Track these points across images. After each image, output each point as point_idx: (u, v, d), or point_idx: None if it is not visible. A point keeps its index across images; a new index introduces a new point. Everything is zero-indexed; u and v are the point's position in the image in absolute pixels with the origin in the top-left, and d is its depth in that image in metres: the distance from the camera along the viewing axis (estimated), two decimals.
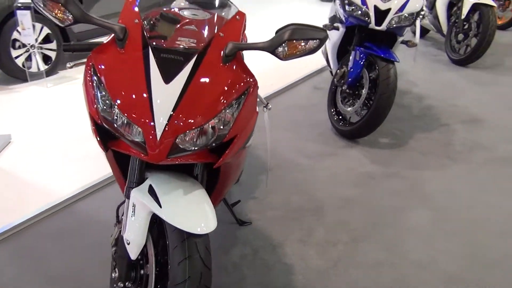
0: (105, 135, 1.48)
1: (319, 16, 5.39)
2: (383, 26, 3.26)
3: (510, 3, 6.79)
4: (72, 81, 4.46)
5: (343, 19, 3.55)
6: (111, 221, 1.93)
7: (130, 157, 1.58)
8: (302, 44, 1.46)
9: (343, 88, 3.55)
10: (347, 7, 3.38)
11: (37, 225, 2.42)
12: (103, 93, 1.41)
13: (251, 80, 1.50)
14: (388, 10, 3.25)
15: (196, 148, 1.42)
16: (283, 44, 1.44)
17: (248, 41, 1.85)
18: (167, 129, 1.35)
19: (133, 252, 1.55)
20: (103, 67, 1.43)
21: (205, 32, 1.58)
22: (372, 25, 3.26)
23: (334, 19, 3.87)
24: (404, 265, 2.17)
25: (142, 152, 1.40)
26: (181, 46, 1.51)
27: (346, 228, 2.45)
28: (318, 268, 2.15)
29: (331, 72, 4.12)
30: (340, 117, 3.65)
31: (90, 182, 2.79)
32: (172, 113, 1.35)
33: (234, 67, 1.48)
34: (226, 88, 1.43)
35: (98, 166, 2.91)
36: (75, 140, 3.28)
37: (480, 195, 2.76)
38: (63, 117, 3.68)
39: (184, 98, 1.37)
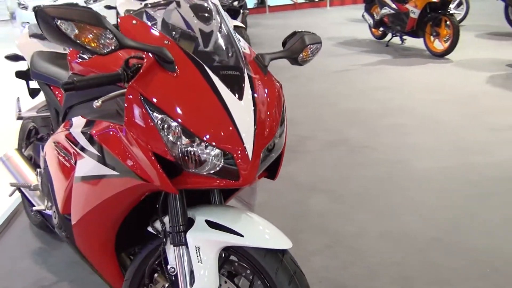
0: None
1: None
2: (211, 47, 3.48)
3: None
4: None
5: None
6: None
7: (169, 201, 1.38)
8: (313, 47, 1.59)
9: None
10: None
11: None
12: (170, 125, 1.21)
13: (280, 85, 1.51)
14: (212, 31, 3.48)
15: (267, 163, 1.37)
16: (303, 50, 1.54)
17: None
18: (255, 146, 1.27)
19: None
20: (161, 97, 1.22)
21: (228, 45, 1.49)
22: (202, 47, 3.44)
23: None
24: (346, 240, 2.46)
25: (224, 179, 1.26)
26: (224, 61, 1.40)
27: None
28: None
29: None
30: None
31: None
32: (255, 128, 1.28)
33: (270, 76, 1.47)
34: (275, 97, 1.42)
35: None
36: None
37: (343, 172, 3.27)
38: None
39: (258, 112, 1.31)
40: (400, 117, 4.31)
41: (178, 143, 1.21)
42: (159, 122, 1.21)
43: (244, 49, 1.48)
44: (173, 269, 1.41)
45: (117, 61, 1.58)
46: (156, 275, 1.47)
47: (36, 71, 2.15)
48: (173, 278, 1.42)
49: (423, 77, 5.64)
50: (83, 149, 1.43)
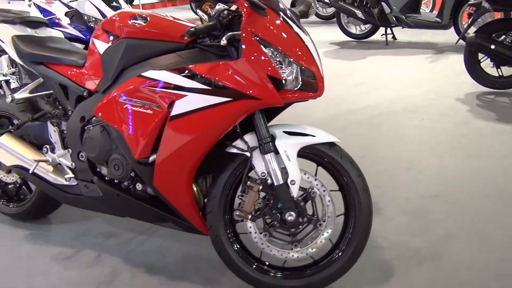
0: None
1: None
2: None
3: None
4: None
5: None
6: None
7: (255, 121, 1.82)
8: (313, 5, 2.19)
9: None
10: None
11: None
12: (277, 53, 1.69)
13: None
14: None
15: None
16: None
17: None
18: (321, 68, 1.82)
19: (296, 190, 1.84)
20: (266, 33, 1.71)
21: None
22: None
23: None
24: None
25: (308, 92, 1.78)
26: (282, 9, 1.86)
27: None
28: None
29: None
30: None
31: None
32: (317, 55, 1.83)
33: None
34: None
35: None
36: None
37: None
38: None
39: (313, 43, 1.86)
40: None
41: (284, 66, 1.69)
42: (270, 51, 1.67)
43: None
44: (264, 174, 1.84)
45: (173, 26, 1.93)
46: (249, 183, 1.86)
47: (27, 52, 2.21)
48: (264, 181, 1.85)
49: None
50: (183, 89, 1.74)
